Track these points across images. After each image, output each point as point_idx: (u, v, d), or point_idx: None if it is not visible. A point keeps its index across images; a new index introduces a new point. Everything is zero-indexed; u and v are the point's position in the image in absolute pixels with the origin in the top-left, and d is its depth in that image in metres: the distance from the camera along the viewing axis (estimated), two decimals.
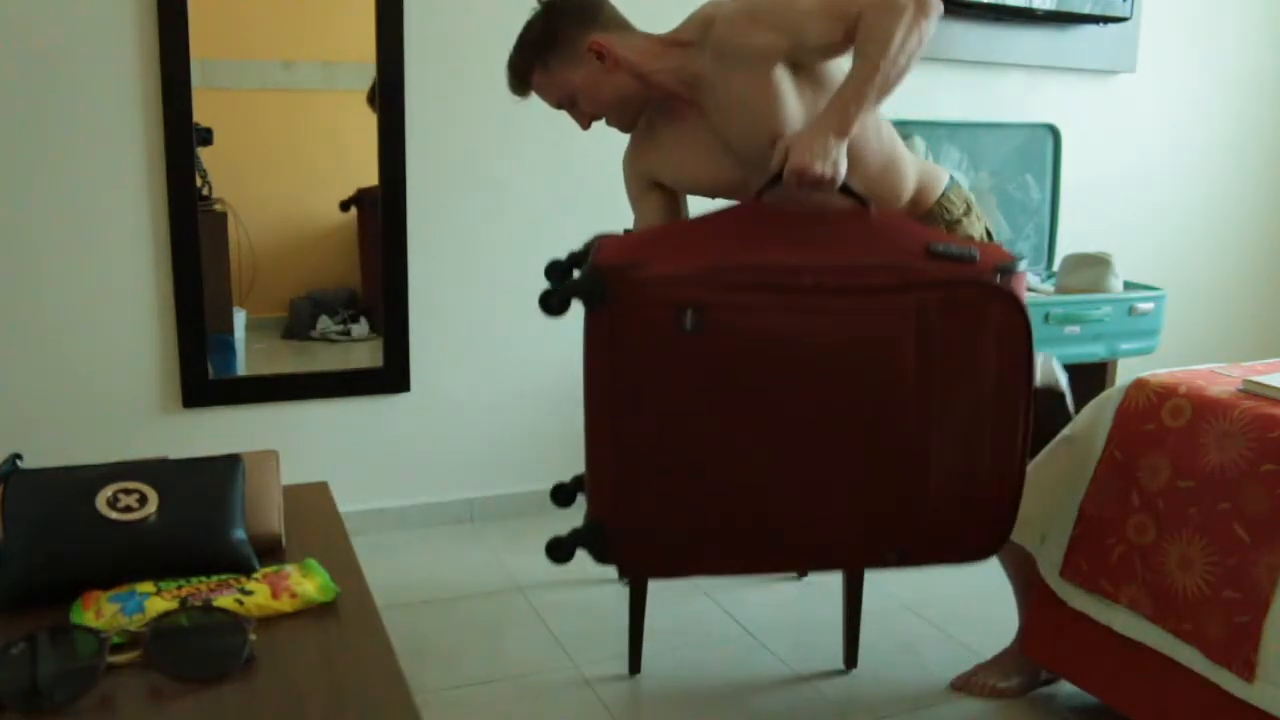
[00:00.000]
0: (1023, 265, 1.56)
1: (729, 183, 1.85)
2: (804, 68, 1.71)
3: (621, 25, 1.82)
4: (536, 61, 1.80)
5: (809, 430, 1.53)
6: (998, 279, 1.50)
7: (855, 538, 1.61)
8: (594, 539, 1.57)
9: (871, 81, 1.60)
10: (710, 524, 1.57)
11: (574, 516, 1.62)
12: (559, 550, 1.58)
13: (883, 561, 1.69)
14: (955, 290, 1.49)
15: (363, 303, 2.85)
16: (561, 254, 1.59)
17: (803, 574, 2.54)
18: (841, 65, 1.72)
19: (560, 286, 1.51)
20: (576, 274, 1.59)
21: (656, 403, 1.51)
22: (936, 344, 1.50)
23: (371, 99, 2.63)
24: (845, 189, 1.61)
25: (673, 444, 1.53)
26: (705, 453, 1.53)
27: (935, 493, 1.56)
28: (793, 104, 1.71)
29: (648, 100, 1.83)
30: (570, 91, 1.81)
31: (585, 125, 1.86)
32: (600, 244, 1.57)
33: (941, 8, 1.63)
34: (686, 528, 1.57)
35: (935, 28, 1.63)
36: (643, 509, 1.56)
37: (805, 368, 1.50)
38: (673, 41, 1.79)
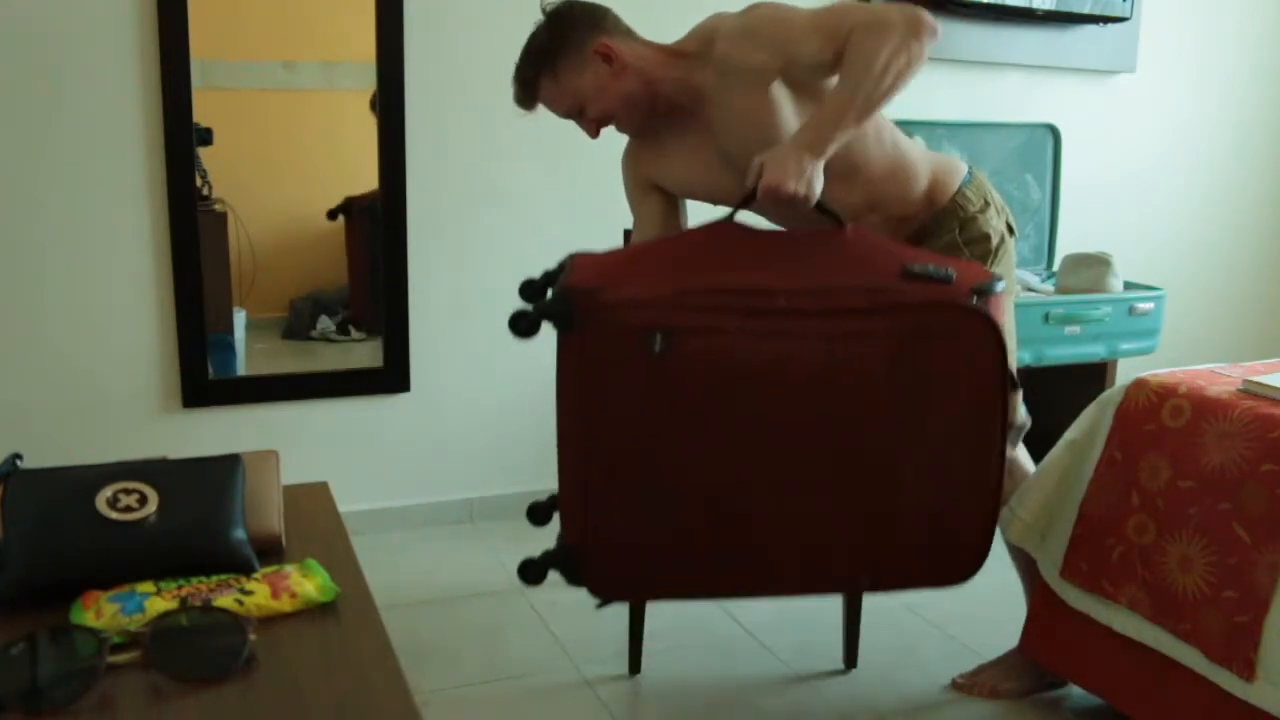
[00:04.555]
0: (1000, 286, 1.54)
1: (727, 192, 1.84)
2: (803, 85, 1.72)
3: (626, 32, 1.83)
4: (544, 69, 1.80)
5: (781, 453, 1.52)
6: (974, 300, 1.49)
7: (828, 561, 1.60)
8: (566, 561, 1.57)
9: (851, 102, 1.60)
10: (683, 547, 1.56)
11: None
12: (530, 571, 1.57)
13: (855, 586, 1.69)
14: (929, 313, 1.47)
15: (352, 311, 2.85)
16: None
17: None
18: None
19: (530, 308, 1.50)
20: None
21: (627, 426, 1.51)
22: (909, 367, 1.48)
23: (374, 104, 2.63)
24: (820, 207, 1.60)
25: (644, 467, 1.52)
26: (677, 476, 1.52)
27: (908, 517, 1.56)
28: (791, 121, 1.72)
29: (655, 103, 1.83)
30: (579, 98, 1.80)
31: (594, 133, 1.86)
32: (574, 263, 1.56)
33: (939, 30, 1.62)
34: (658, 551, 1.57)
35: (928, 49, 1.62)
36: (614, 532, 1.55)
37: (777, 391, 1.49)
38: (677, 52, 1.80)
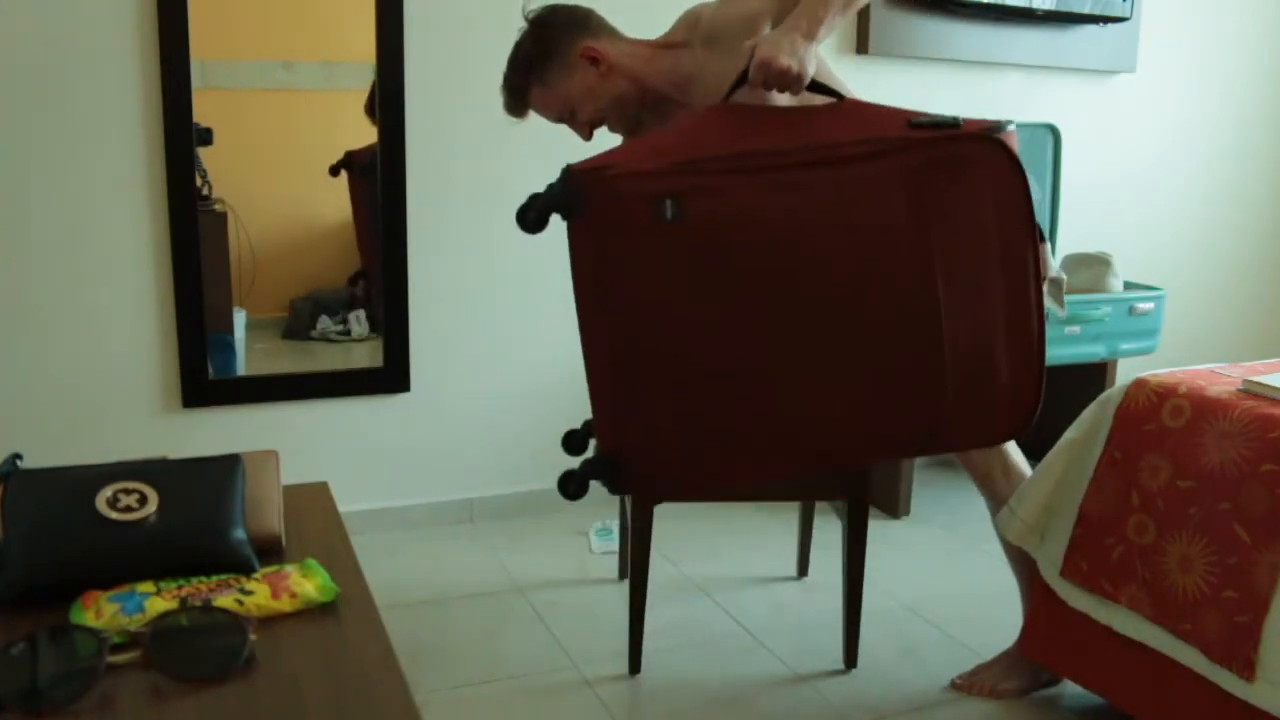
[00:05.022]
0: (1010, 127, 1.48)
1: None
2: None
3: (610, 33, 1.84)
4: (533, 76, 1.82)
5: (809, 313, 1.47)
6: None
7: (874, 424, 1.54)
8: (605, 469, 1.52)
9: None
10: (722, 430, 1.51)
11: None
12: (570, 484, 1.52)
13: (907, 447, 1.62)
14: (942, 147, 1.43)
15: (363, 263, 2.85)
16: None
17: (802, 573, 2.54)
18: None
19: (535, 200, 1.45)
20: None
21: (649, 306, 1.45)
22: (930, 206, 1.43)
23: (369, 108, 2.63)
24: (816, 85, 1.56)
25: (672, 349, 1.47)
26: (707, 352, 1.47)
27: (951, 366, 1.49)
28: None
29: (645, 101, 1.84)
30: (569, 102, 1.82)
31: (587, 136, 1.88)
32: (571, 166, 1.52)
33: None
34: (698, 437, 1.51)
35: None
36: (650, 424, 1.50)
37: (796, 248, 1.44)
38: (663, 45, 1.81)
